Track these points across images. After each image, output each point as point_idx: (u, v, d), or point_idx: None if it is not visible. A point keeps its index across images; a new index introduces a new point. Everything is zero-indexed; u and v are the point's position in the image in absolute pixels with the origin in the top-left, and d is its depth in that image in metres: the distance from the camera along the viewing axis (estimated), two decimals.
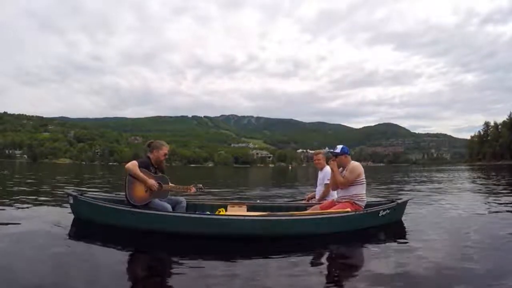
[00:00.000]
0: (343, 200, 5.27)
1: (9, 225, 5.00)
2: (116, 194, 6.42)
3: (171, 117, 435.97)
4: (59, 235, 4.51)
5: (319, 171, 6.49)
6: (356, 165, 5.32)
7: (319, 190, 6.45)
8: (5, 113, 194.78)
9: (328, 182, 6.09)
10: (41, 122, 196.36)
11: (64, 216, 5.69)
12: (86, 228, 4.98)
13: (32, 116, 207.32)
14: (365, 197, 5.36)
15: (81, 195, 5.31)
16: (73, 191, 5.42)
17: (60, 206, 6.79)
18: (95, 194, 5.87)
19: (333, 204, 5.40)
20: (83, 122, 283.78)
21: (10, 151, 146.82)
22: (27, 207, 6.69)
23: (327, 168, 6.25)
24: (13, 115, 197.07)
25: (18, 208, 6.62)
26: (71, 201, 5.24)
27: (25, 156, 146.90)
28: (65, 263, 3.49)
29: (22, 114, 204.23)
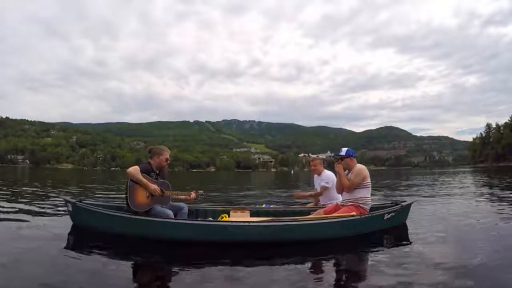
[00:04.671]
0: (348, 203, 5.22)
1: (7, 232, 4.93)
2: (116, 200, 6.34)
3: (173, 122, 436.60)
4: (57, 243, 4.42)
5: (316, 176, 6.48)
6: (361, 168, 5.27)
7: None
8: (7, 118, 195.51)
9: (325, 184, 6.10)
10: (43, 127, 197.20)
11: (62, 223, 5.61)
12: (85, 235, 4.89)
13: (35, 121, 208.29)
14: (370, 200, 5.31)
15: (79, 201, 5.23)
16: (71, 198, 5.34)
17: (59, 212, 6.72)
18: (95, 201, 5.79)
19: (337, 207, 5.35)
20: (85, 127, 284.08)
21: (13, 156, 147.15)
22: (26, 214, 6.60)
23: (325, 173, 6.27)
24: (15, 120, 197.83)
25: (17, 215, 6.55)
26: (70, 208, 5.15)
27: (27, 161, 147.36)
28: (63, 271, 3.42)
29: (24, 119, 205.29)
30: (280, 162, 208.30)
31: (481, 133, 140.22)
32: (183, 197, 5.33)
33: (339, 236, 4.79)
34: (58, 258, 3.84)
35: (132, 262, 3.90)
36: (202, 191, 5.45)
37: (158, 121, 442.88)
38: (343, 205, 5.28)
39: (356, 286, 3.29)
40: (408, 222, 5.82)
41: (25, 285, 3.01)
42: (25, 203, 8.47)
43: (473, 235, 5.04)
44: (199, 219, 5.41)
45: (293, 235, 4.66)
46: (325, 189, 6.19)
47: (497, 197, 10.33)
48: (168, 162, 5.29)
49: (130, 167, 4.97)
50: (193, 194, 5.30)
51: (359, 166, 5.33)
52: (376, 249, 4.43)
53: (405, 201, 5.99)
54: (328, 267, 3.86)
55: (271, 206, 6.76)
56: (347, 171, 5.37)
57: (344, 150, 5.40)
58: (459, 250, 4.23)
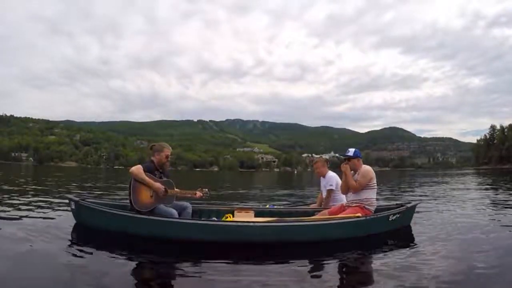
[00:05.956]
0: (353, 204, 5.19)
1: (9, 231, 4.91)
2: (119, 199, 6.33)
3: (177, 121, 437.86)
4: (61, 241, 4.43)
5: (322, 178, 6.41)
6: (368, 169, 5.23)
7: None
8: (12, 116, 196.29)
9: (330, 187, 6.03)
10: (47, 125, 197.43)
11: (65, 221, 5.61)
12: (88, 234, 4.89)
13: (39, 119, 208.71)
14: (375, 201, 5.29)
15: (83, 200, 5.22)
16: (74, 196, 5.33)
17: (62, 211, 6.70)
18: (98, 199, 5.78)
19: (342, 208, 5.32)
20: (89, 125, 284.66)
21: (17, 154, 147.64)
22: (29, 212, 6.60)
23: (329, 174, 6.20)
24: (19, 118, 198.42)
25: (20, 213, 6.52)
26: (73, 207, 5.14)
27: (31, 159, 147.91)
28: (66, 270, 3.41)
29: (29, 117, 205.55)
30: (283, 162, 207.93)
31: (485, 135, 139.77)
32: (188, 195, 5.30)
33: (344, 237, 4.77)
34: (61, 256, 3.83)
35: (135, 262, 3.88)
36: (206, 190, 5.43)
37: (162, 120, 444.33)
38: (348, 206, 5.26)
39: (360, 287, 3.30)
40: (412, 223, 5.79)
41: (28, 283, 3.01)
42: (29, 201, 8.48)
43: (477, 237, 5.02)
44: (203, 218, 5.39)
45: (298, 236, 4.64)
46: (331, 192, 6.13)
47: (501, 199, 10.29)
48: (169, 159, 5.25)
49: (133, 165, 4.96)
50: (198, 193, 5.27)
51: (366, 167, 5.30)
52: (381, 250, 4.42)
53: (409, 203, 5.97)
54: (333, 268, 3.84)
55: (275, 206, 6.74)
56: (352, 171, 5.34)
57: (351, 151, 5.36)
58: (463, 252, 4.21)
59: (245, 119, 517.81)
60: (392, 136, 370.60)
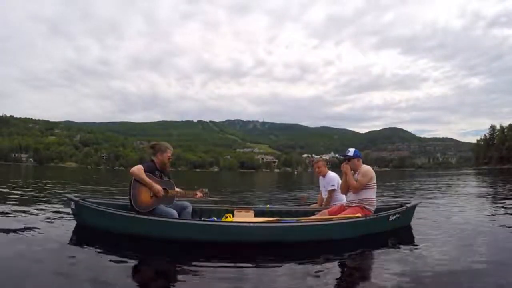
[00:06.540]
0: (353, 205, 5.19)
1: (9, 232, 4.90)
2: (119, 199, 6.32)
3: (177, 121, 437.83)
4: (60, 241, 4.42)
5: (321, 178, 6.42)
6: (368, 169, 5.24)
7: (325, 197, 6.36)
8: (11, 116, 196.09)
9: (331, 188, 6.03)
10: (47, 126, 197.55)
11: (65, 221, 5.61)
12: (88, 234, 4.87)
13: (39, 119, 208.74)
14: (375, 201, 5.28)
15: (83, 200, 5.21)
16: (74, 196, 5.32)
17: (62, 211, 6.70)
18: (98, 199, 5.77)
19: (342, 208, 5.31)
20: (89, 126, 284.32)
21: (17, 155, 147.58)
22: (28, 213, 6.60)
23: (330, 174, 6.21)
24: (19, 118, 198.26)
25: (19, 213, 6.52)
26: (73, 207, 5.14)
27: (31, 159, 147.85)
28: (65, 270, 3.41)
29: (29, 118, 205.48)
30: (283, 163, 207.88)
31: (485, 135, 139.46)
32: (188, 196, 5.29)
33: (344, 237, 4.77)
34: (60, 256, 3.83)
35: (135, 262, 3.89)
36: (207, 190, 5.42)
37: (162, 121, 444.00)
38: (348, 206, 5.25)
39: (359, 287, 3.29)
40: (412, 224, 5.79)
41: (27, 283, 3.01)
42: (29, 201, 8.49)
43: (477, 237, 5.03)
44: (203, 218, 5.39)
45: (298, 236, 4.65)
46: (333, 191, 6.13)
47: (501, 199, 10.32)
48: (170, 160, 5.26)
49: (133, 166, 4.95)
50: (198, 194, 5.26)
51: (366, 167, 5.30)
52: (381, 250, 4.41)
53: (409, 203, 5.97)
54: (333, 268, 3.82)
55: (276, 206, 6.74)
56: (352, 171, 5.34)
57: (351, 151, 5.36)
58: (463, 252, 4.21)
59: (245, 119, 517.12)
60: (392, 136, 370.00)
